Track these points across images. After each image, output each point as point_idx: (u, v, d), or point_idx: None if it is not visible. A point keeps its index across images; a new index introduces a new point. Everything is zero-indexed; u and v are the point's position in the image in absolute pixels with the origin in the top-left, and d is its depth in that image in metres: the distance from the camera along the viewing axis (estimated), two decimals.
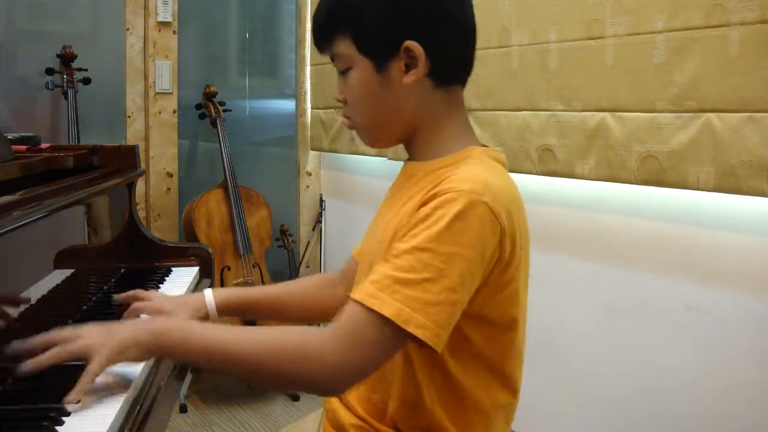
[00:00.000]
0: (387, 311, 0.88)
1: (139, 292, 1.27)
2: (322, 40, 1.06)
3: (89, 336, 0.96)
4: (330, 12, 1.05)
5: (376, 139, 1.09)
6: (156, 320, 1.00)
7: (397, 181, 1.13)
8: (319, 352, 0.90)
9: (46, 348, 0.95)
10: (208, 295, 1.23)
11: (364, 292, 0.91)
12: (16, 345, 0.97)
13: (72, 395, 0.92)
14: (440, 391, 1.01)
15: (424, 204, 0.95)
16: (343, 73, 1.05)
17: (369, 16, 1.01)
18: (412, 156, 1.10)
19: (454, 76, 1.06)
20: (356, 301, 0.91)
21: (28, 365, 0.93)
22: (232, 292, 1.26)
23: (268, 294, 1.28)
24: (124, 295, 1.26)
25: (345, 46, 1.03)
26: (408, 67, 1.01)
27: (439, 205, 0.92)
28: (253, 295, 1.28)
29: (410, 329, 0.88)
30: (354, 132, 1.11)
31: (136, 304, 1.22)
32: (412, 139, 1.08)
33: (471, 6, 1.06)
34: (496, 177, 0.99)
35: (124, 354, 0.96)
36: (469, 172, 0.97)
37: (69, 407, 0.92)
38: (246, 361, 0.93)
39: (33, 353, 0.95)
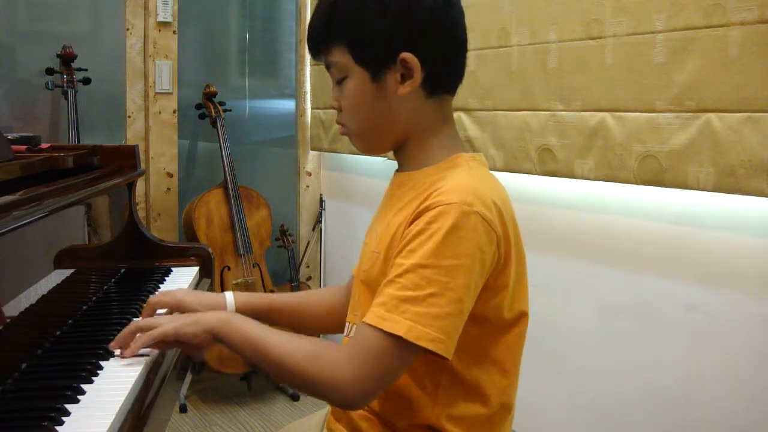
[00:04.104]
0: (399, 330, 0.92)
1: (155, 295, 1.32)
2: (318, 48, 1.08)
3: (164, 319, 1.12)
4: (327, 21, 1.06)
5: (369, 146, 1.12)
6: (221, 311, 1.13)
7: (388, 191, 1.15)
8: (337, 372, 0.95)
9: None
10: (230, 299, 1.26)
11: (374, 315, 0.95)
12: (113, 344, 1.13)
13: (127, 352, 1.09)
14: (448, 392, 1.03)
15: (417, 217, 0.98)
16: (339, 81, 1.07)
17: (366, 27, 1.02)
18: (402, 166, 1.13)
19: (446, 86, 1.09)
20: (369, 325, 0.95)
21: (125, 354, 1.10)
22: (252, 298, 1.29)
23: (284, 302, 1.31)
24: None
25: (341, 56, 1.05)
26: (403, 78, 1.03)
27: (433, 219, 0.95)
28: (270, 302, 1.30)
29: (422, 344, 0.92)
30: None
31: (152, 299, 1.25)
32: (402, 148, 1.10)
33: (464, 17, 1.08)
34: (482, 181, 1.02)
35: (184, 328, 1.05)
36: (457, 183, 0.99)
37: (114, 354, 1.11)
38: (281, 365, 0.99)
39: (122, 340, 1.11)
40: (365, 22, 1.02)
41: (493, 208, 0.97)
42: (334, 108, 1.10)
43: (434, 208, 0.96)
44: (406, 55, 1.02)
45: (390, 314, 0.93)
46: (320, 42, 1.07)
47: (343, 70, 1.05)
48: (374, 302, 0.97)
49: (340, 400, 0.98)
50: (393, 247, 1.01)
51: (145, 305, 1.26)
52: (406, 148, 1.10)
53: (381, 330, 0.93)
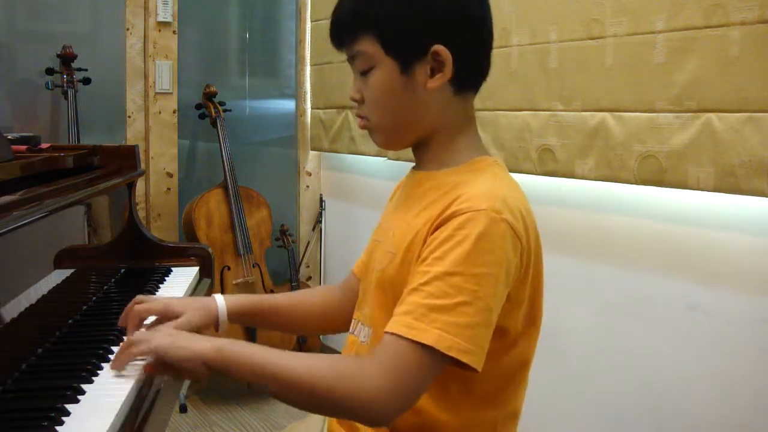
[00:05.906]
0: (428, 339, 0.88)
1: (139, 297, 1.21)
2: (345, 37, 1.04)
3: (157, 336, 1.01)
4: (357, 10, 1.02)
5: (391, 141, 1.08)
6: (218, 339, 0.99)
7: (405, 189, 1.12)
8: (367, 387, 0.89)
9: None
10: (220, 301, 1.20)
11: (399, 324, 0.91)
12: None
13: (114, 363, 1.03)
14: (456, 399, 1.00)
15: (442, 223, 0.94)
16: (364, 72, 1.03)
17: (399, 17, 1.00)
18: (421, 164, 1.09)
19: (473, 83, 1.07)
20: (394, 334, 0.90)
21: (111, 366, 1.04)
22: (242, 300, 1.23)
23: (274, 304, 1.26)
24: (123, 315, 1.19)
25: (370, 45, 1.01)
26: (433, 72, 1.01)
27: (461, 226, 0.92)
28: (260, 304, 1.26)
29: (453, 354, 0.89)
30: (354, 132, 1.10)
31: (137, 307, 1.17)
32: (423, 145, 1.07)
33: (491, 15, 1.06)
34: (510, 189, 1.00)
35: (172, 350, 0.98)
36: (485, 188, 0.97)
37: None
38: (299, 386, 0.92)
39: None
40: (399, 11, 0.99)
41: (519, 217, 0.95)
42: (355, 100, 1.06)
43: (462, 214, 0.92)
44: (439, 48, 0.99)
45: (417, 323, 0.89)
46: (349, 30, 1.03)
47: (370, 60, 1.01)
48: (397, 311, 0.93)
49: (373, 415, 0.91)
50: (412, 249, 0.98)
51: (126, 312, 1.16)
52: (428, 146, 1.06)
53: (409, 339, 0.89)
